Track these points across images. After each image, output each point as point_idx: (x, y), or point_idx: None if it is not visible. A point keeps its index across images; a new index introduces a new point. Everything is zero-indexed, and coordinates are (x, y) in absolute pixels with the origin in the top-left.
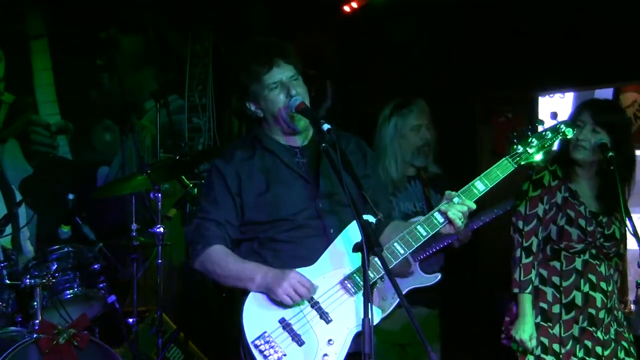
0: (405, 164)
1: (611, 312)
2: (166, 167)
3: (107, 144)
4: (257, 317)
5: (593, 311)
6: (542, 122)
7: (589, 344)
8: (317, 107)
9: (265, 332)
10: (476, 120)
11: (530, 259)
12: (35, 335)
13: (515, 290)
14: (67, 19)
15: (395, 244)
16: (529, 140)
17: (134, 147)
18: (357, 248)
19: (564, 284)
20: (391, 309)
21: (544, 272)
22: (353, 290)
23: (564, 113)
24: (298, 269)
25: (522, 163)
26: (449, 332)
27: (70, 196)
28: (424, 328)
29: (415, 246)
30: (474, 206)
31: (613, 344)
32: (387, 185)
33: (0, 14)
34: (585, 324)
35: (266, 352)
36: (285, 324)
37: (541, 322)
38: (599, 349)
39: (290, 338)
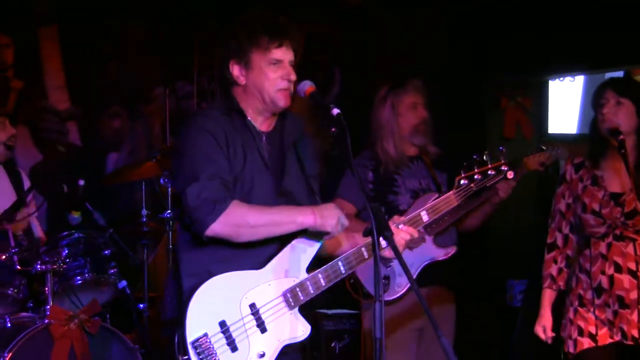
0: (404, 142)
1: None
2: None
3: (116, 130)
4: (200, 316)
5: (622, 293)
6: (493, 156)
7: (624, 327)
8: (325, 94)
9: (205, 334)
10: (486, 105)
11: (552, 254)
12: (46, 321)
13: (542, 283)
14: (76, 6)
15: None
16: (474, 176)
17: (143, 133)
18: (367, 232)
19: (592, 269)
20: (409, 285)
21: (581, 260)
22: (292, 304)
23: (575, 96)
24: (246, 272)
25: (466, 196)
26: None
27: (81, 182)
28: (440, 308)
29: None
30: (416, 235)
31: None
32: (388, 164)
33: (10, 1)
34: (617, 307)
35: (202, 356)
36: (225, 329)
37: (578, 307)
38: (635, 332)
39: (226, 343)
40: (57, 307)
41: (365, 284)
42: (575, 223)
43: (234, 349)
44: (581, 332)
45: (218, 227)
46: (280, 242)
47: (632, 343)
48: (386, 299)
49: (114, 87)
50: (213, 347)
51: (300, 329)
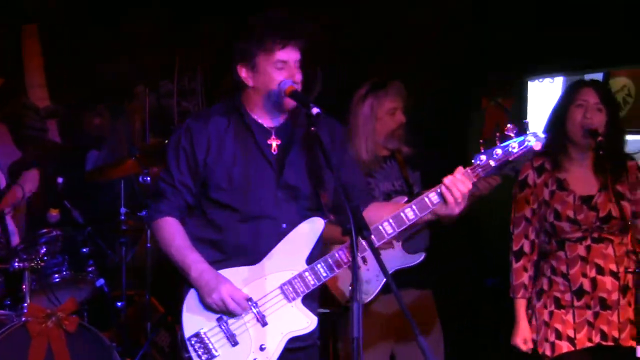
0: (377, 146)
1: (629, 291)
2: (155, 151)
3: (97, 128)
4: (197, 312)
5: (604, 294)
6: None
7: (604, 328)
8: (307, 93)
9: (202, 329)
10: (466, 105)
11: (521, 262)
12: (23, 319)
13: (510, 294)
14: (58, 4)
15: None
16: (494, 151)
17: (124, 131)
18: (346, 232)
19: (570, 271)
20: (377, 291)
21: (554, 263)
22: (292, 297)
23: (554, 97)
24: (241, 268)
25: (482, 176)
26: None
27: (60, 180)
28: (419, 309)
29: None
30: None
31: (629, 326)
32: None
33: None
34: (598, 309)
35: (200, 351)
36: (222, 323)
37: (555, 309)
38: (615, 333)
39: (226, 338)
40: (35, 305)
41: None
42: (544, 228)
43: (234, 343)
44: (559, 336)
45: (150, 226)
46: (275, 236)
47: (612, 344)
48: None
49: (95, 85)
50: (211, 343)
51: (304, 321)
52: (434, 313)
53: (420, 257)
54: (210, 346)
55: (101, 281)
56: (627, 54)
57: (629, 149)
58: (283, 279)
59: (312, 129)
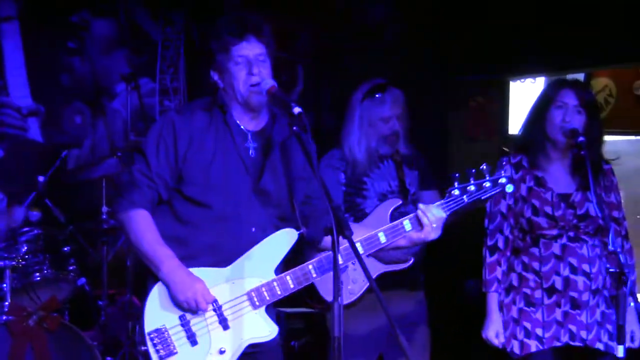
0: (371, 149)
1: (598, 293)
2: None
3: (78, 127)
4: (160, 308)
5: (575, 294)
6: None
7: (573, 328)
8: (288, 91)
9: (164, 326)
10: (447, 105)
11: (495, 257)
12: (4, 318)
13: (483, 289)
14: (39, 1)
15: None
16: (468, 187)
17: (105, 130)
18: (327, 231)
19: (543, 269)
20: (362, 291)
21: (525, 259)
22: (257, 304)
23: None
24: (211, 269)
25: (454, 209)
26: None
27: (41, 179)
28: (409, 310)
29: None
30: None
31: (596, 327)
32: (356, 166)
33: None
34: (568, 308)
35: (158, 347)
36: (184, 322)
37: (524, 307)
38: (583, 333)
39: (186, 337)
40: (16, 304)
41: (319, 289)
42: (519, 224)
43: (193, 342)
44: (528, 334)
45: (117, 216)
46: (248, 241)
47: (580, 344)
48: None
49: (76, 84)
50: (171, 340)
51: (266, 329)
52: (423, 314)
53: (408, 261)
54: (170, 343)
55: (82, 280)
56: (609, 54)
57: (611, 149)
58: (251, 285)
59: (295, 127)
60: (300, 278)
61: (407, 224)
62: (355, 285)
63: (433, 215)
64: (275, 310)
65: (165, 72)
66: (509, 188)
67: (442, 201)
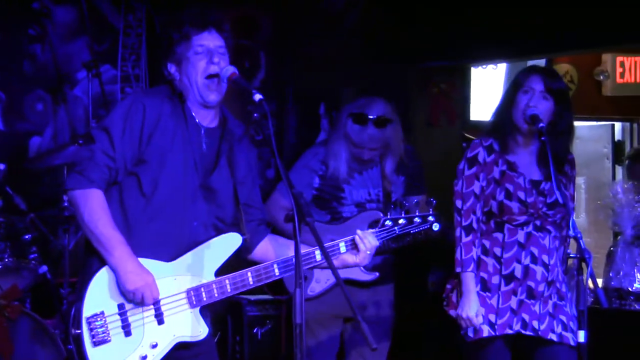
0: (351, 161)
1: (553, 285)
2: None
3: (39, 114)
4: (101, 294)
5: (533, 284)
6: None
7: (526, 317)
8: (250, 79)
9: (102, 312)
10: (410, 91)
11: (471, 237)
12: None
13: (458, 269)
14: None
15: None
16: (399, 220)
17: (66, 118)
18: (288, 219)
19: (505, 255)
20: (322, 290)
21: (487, 243)
22: (194, 303)
23: (497, 83)
24: (155, 261)
25: (385, 238)
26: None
27: (2, 166)
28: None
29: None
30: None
31: (548, 318)
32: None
33: None
34: (524, 297)
35: (93, 332)
36: (122, 311)
37: (480, 292)
38: (535, 323)
39: (121, 326)
40: None
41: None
42: (488, 207)
43: (127, 333)
44: (481, 319)
45: (69, 193)
46: (195, 239)
47: (531, 334)
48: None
49: (37, 71)
50: (107, 327)
51: (198, 329)
52: (391, 306)
53: (373, 275)
54: (105, 331)
55: (44, 268)
56: (570, 40)
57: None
58: (191, 284)
59: (255, 115)
60: (238, 284)
61: (342, 246)
62: (317, 284)
63: (369, 242)
64: (210, 312)
65: (127, 59)
66: (435, 227)
67: (376, 229)
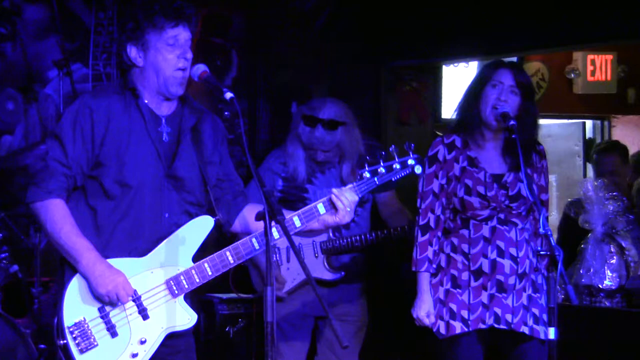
0: (310, 161)
1: (525, 277)
2: None
3: (10, 113)
4: (79, 300)
5: (502, 277)
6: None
7: (498, 311)
8: (222, 77)
9: (83, 319)
10: (381, 89)
11: (427, 236)
12: None
13: (413, 268)
14: None
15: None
16: (378, 169)
17: (37, 117)
18: (259, 216)
19: (472, 251)
20: (289, 289)
21: (455, 240)
22: (176, 292)
23: (469, 82)
24: (127, 259)
25: (365, 191)
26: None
27: None
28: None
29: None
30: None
31: (522, 311)
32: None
33: None
34: (494, 291)
35: (78, 339)
36: (104, 314)
37: (451, 289)
38: (508, 316)
39: (106, 328)
40: None
41: (252, 275)
42: (451, 204)
43: (114, 334)
44: (453, 315)
45: (32, 208)
46: (168, 230)
47: (505, 327)
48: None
49: (8, 70)
50: (91, 332)
51: (185, 317)
52: (361, 304)
53: (338, 275)
54: (90, 336)
55: (15, 267)
56: (542, 38)
57: (544, 132)
58: (170, 274)
59: (226, 113)
60: (217, 265)
61: (320, 207)
62: (285, 283)
63: (346, 198)
64: (195, 297)
65: (99, 57)
66: (418, 169)
67: (354, 184)
